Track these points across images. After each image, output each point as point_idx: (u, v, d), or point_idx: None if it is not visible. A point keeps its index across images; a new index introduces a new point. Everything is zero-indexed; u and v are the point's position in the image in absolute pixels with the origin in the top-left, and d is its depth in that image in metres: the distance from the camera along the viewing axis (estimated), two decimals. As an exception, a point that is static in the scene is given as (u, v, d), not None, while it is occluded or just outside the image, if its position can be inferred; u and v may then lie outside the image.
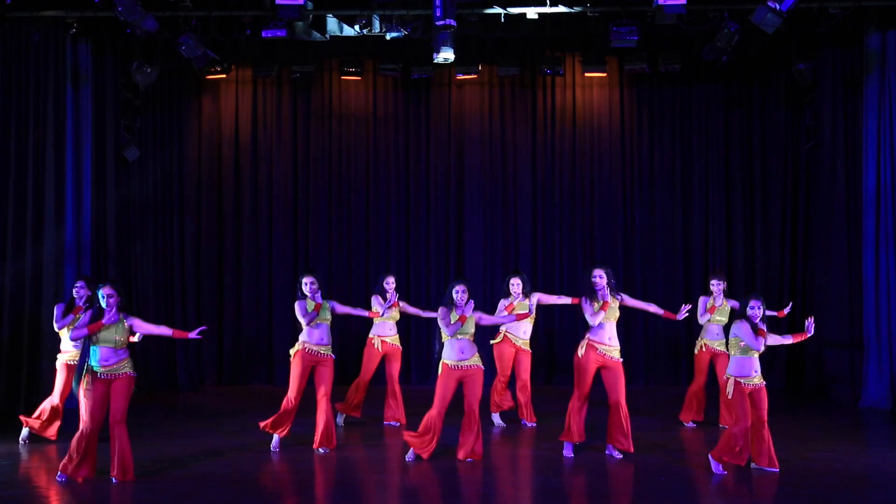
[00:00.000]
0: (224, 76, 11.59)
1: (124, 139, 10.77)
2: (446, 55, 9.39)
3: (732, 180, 11.80)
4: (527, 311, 8.23)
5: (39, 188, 9.73)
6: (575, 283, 11.61)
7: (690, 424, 8.78)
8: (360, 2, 9.68)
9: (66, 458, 6.56)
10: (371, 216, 11.96)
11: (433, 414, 7.13)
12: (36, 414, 7.93)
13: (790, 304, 9.30)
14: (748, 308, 6.80)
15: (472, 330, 7.14)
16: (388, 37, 9.80)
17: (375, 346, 8.83)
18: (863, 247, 10.08)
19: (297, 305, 7.75)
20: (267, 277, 11.87)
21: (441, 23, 8.83)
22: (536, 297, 8.50)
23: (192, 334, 6.77)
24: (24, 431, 7.93)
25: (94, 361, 6.52)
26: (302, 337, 7.71)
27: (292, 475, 7.08)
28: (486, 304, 10.90)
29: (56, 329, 7.86)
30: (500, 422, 8.82)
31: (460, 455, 7.16)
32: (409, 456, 7.24)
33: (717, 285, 8.77)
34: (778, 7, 8.96)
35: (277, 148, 12.01)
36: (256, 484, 6.75)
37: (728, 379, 6.80)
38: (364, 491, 6.66)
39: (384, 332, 8.85)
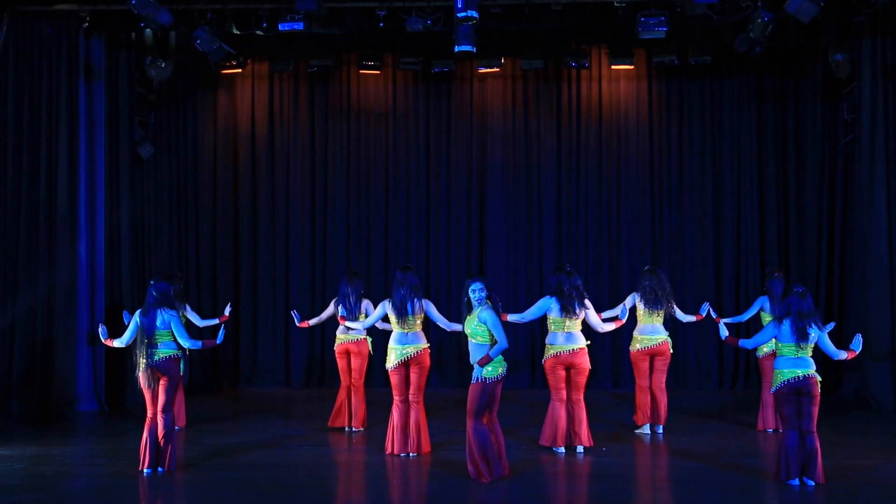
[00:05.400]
0: (240, 70, 11.51)
1: (138, 135, 10.71)
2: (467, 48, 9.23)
3: (765, 176, 11.58)
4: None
5: (52, 184, 9.74)
6: (600, 281, 11.62)
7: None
8: (379, -7, 9.65)
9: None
10: (390, 213, 11.88)
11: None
12: None
13: (832, 323, 8.87)
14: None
15: (467, 331, 6.76)
16: (408, 29, 9.67)
17: None
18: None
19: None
20: (284, 276, 11.82)
21: (462, 14, 8.66)
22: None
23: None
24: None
25: None
26: None
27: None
28: (510, 301, 10.74)
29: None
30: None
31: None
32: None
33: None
34: (814, -6, 8.81)
35: (294, 144, 11.96)
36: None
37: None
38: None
39: None
